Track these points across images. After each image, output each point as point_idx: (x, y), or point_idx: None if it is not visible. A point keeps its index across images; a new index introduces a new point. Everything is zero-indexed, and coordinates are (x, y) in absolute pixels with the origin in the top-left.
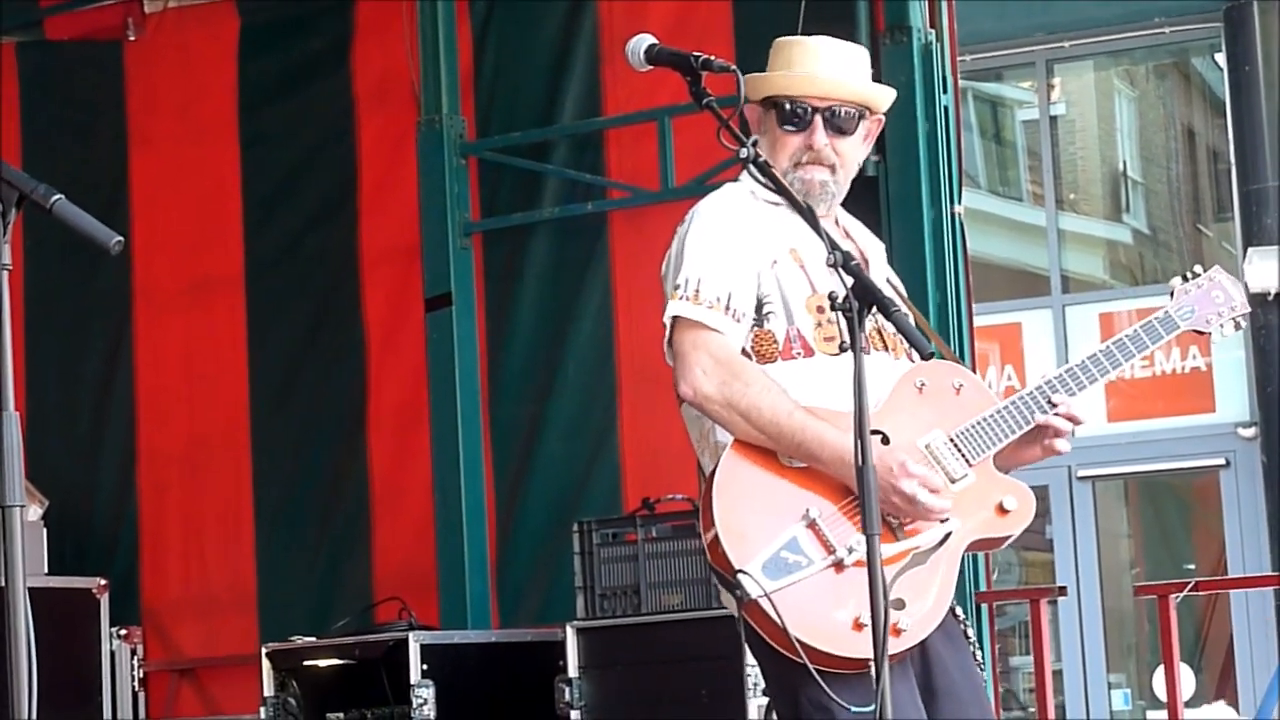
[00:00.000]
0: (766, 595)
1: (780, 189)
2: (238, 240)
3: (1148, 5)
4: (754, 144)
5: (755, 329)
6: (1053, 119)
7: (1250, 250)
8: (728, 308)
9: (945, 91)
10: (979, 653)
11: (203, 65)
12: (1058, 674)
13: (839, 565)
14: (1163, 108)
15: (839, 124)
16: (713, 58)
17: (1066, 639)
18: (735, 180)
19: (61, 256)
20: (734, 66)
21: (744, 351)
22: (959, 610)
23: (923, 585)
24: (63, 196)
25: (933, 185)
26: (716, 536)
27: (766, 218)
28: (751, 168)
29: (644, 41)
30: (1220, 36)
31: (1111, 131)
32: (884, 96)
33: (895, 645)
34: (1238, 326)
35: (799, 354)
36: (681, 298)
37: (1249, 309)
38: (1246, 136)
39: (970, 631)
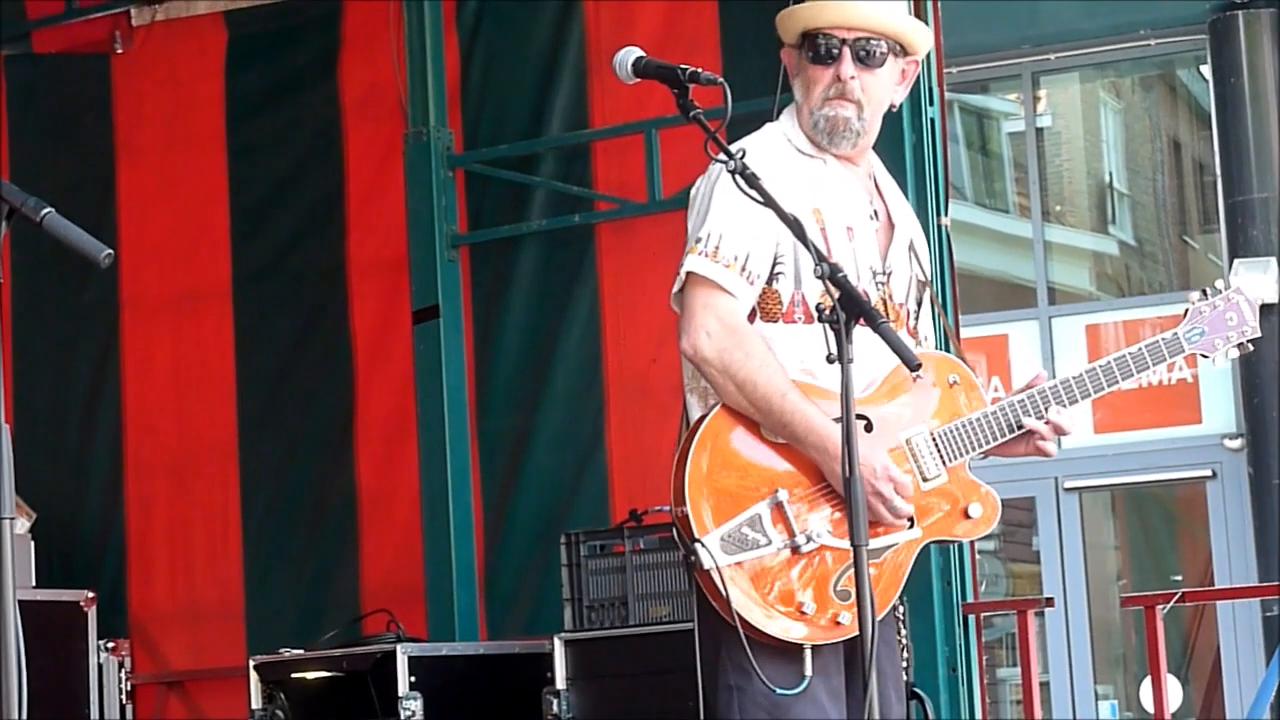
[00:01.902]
0: (718, 569)
1: (766, 199)
2: (225, 252)
3: (1133, 17)
4: (741, 155)
5: (764, 287)
6: (1039, 131)
7: (1236, 262)
8: (744, 268)
9: (931, 103)
10: (903, 629)
11: (190, 77)
12: (1045, 685)
13: (795, 550)
14: (1148, 120)
15: (867, 58)
16: (700, 70)
17: (1054, 650)
18: (775, 120)
19: (49, 268)
20: (721, 79)
21: (750, 308)
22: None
23: (871, 580)
24: (53, 210)
25: (919, 197)
26: (686, 513)
27: (797, 171)
28: (739, 179)
29: (631, 54)
30: (1206, 49)
31: (1097, 143)
32: (917, 33)
33: (833, 635)
34: (1241, 350)
35: (799, 319)
36: (701, 253)
37: (1258, 334)
38: (1232, 148)
39: (901, 612)
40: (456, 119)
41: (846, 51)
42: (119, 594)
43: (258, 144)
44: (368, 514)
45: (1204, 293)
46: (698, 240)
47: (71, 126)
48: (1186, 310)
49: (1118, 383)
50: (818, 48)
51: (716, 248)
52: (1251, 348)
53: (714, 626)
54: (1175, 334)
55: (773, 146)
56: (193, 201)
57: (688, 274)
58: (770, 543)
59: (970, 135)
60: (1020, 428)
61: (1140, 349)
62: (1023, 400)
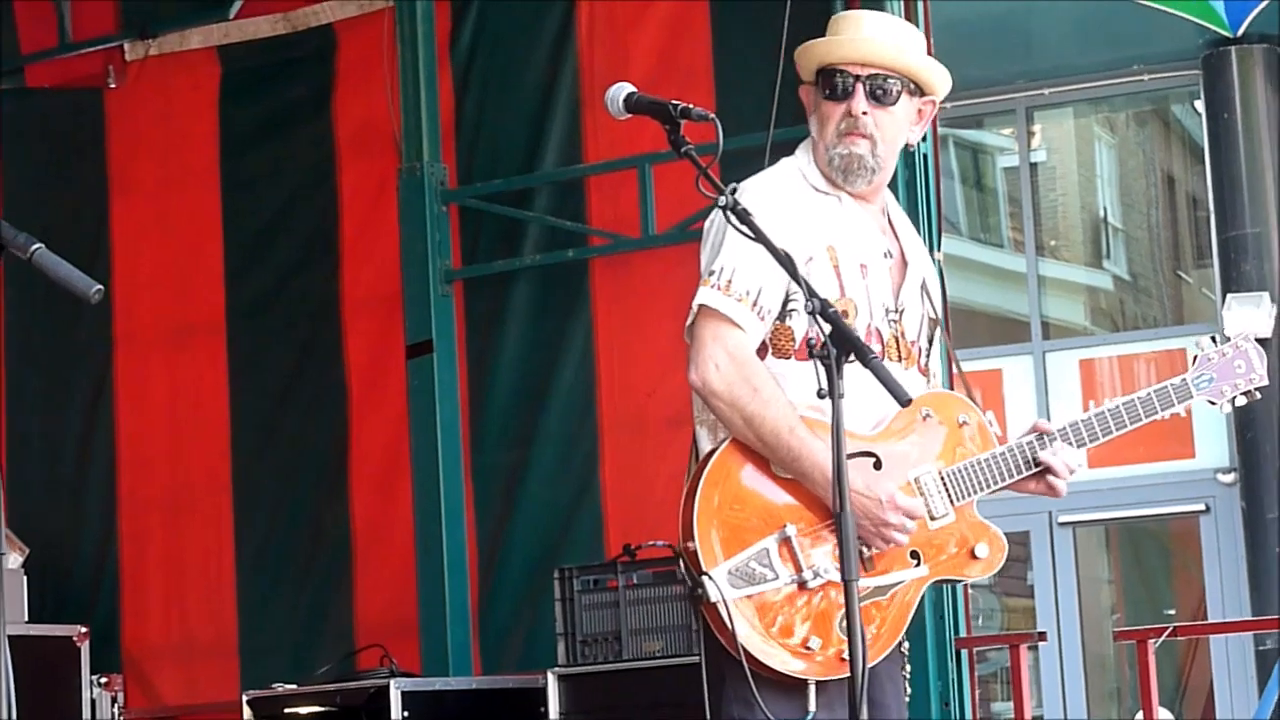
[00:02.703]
0: (725, 602)
1: (757, 235)
2: (219, 286)
3: (1127, 53)
4: (732, 191)
5: (776, 323)
6: (1033, 166)
7: (1229, 297)
8: (755, 303)
9: (924, 139)
10: (908, 668)
11: (184, 112)
12: (1038, 719)
13: (802, 585)
14: (1142, 154)
15: (880, 94)
16: (691, 106)
17: (1047, 684)
18: (790, 155)
19: (42, 303)
20: (712, 115)
21: (762, 344)
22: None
23: (876, 618)
24: (42, 246)
25: None
26: (694, 547)
27: (811, 207)
28: (730, 215)
29: (623, 90)
30: (1199, 84)
31: (1092, 178)
32: (933, 73)
33: (837, 671)
34: (1249, 398)
35: None
36: (714, 286)
37: (1266, 382)
38: (1225, 183)
39: (906, 649)
40: (450, 154)
41: (860, 88)
42: (112, 629)
43: (252, 179)
44: (362, 549)
45: (1213, 339)
46: (711, 274)
47: (65, 161)
48: (1195, 356)
49: (1125, 427)
50: (833, 84)
51: (729, 281)
52: (1259, 396)
53: (719, 660)
54: (1184, 380)
55: (787, 183)
56: (186, 236)
57: (699, 307)
58: (777, 577)
59: (965, 170)
60: (1030, 466)
61: (1149, 394)
62: (1030, 441)
